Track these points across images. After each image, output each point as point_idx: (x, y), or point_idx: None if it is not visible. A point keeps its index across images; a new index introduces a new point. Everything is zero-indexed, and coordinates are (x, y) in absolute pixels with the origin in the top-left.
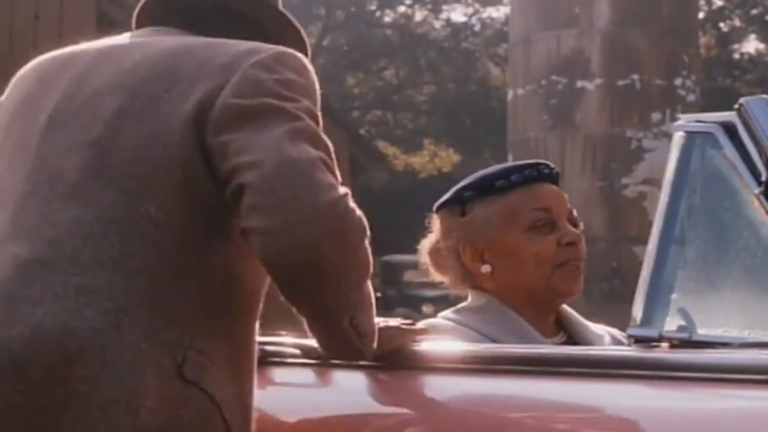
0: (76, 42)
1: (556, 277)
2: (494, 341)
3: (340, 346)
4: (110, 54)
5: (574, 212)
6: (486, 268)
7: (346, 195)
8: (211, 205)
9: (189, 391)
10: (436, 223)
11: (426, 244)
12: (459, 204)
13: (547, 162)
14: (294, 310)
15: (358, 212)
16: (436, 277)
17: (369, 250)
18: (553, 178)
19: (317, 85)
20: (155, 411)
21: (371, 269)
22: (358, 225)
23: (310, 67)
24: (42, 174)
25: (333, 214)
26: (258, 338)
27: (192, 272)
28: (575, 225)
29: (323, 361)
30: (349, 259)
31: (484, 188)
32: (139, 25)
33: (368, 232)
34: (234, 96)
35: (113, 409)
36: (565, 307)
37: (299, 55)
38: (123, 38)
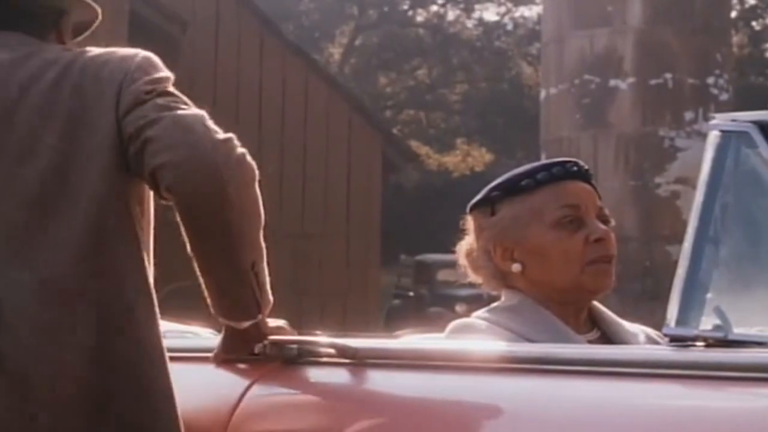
0: (108, 40)
1: (585, 275)
2: (528, 340)
3: (239, 295)
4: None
5: (605, 209)
6: (516, 267)
7: (234, 138)
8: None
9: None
10: (469, 224)
11: (463, 246)
12: (489, 204)
13: (576, 160)
14: (200, 269)
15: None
16: (475, 279)
17: (260, 200)
18: (582, 175)
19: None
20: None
21: (263, 221)
22: (250, 162)
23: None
24: None
25: (229, 146)
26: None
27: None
28: (606, 222)
29: (358, 360)
30: (247, 190)
31: (512, 187)
32: None
33: (257, 177)
34: (129, 98)
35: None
36: (597, 304)
37: (150, 54)
38: None
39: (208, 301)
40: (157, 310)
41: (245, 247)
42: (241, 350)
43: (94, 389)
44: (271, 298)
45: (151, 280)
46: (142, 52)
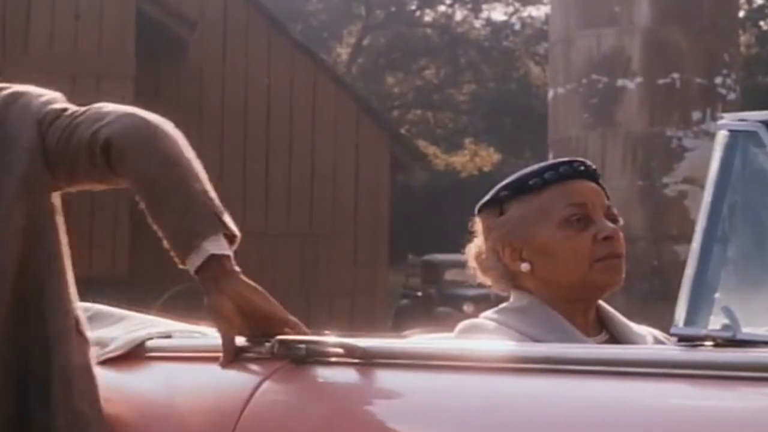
0: (116, 41)
1: (594, 271)
2: (537, 341)
3: (196, 211)
4: None
5: (613, 208)
6: (525, 267)
7: None
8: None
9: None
10: (478, 225)
11: (472, 248)
12: (497, 204)
13: (584, 159)
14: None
15: None
16: (485, 280)
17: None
18: (590, 174)
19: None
20: None
21: (203, 176)
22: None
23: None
24: None
25: (143, 111)
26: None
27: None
28: (614, 221)
29: (366, 360)
30: (178, 136)
31: (520, 187)
32: None
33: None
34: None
35: None
36: (606, 306)
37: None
38: None
39: (172, 253)
40: (71, 299)
41: (191, 177)
42: (225, 311)
43: (13, 368)
44: (235, 228)
45: (68, 270)
46: (57, 93)
